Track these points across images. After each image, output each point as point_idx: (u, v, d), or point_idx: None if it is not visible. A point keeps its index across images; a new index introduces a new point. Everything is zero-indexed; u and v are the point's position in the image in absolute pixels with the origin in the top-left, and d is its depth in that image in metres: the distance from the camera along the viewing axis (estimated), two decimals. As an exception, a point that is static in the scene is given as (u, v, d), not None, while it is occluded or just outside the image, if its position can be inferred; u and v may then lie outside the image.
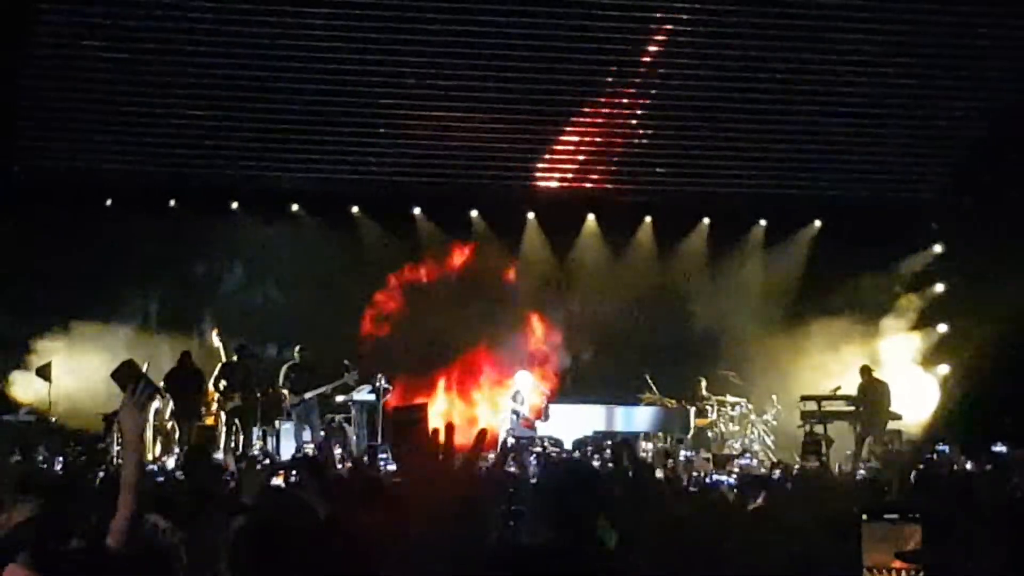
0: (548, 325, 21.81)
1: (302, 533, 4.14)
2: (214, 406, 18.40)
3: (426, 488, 2.68)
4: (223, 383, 18.21)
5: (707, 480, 13.94)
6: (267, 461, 14.84)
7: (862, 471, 15.97)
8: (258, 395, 18.23)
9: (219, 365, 18.47)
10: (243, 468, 10.94)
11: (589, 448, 17.94)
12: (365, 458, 16.36)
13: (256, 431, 18.39)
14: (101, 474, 12.57)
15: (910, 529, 4.08)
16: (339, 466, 14.17)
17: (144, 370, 5.53)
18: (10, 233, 18.94)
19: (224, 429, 18.11)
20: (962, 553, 4.82)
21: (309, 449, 17.27)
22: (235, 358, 18.55)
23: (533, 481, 10.82)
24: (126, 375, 5.14)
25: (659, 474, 14.05)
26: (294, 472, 9.15)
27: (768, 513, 7.53)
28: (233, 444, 17.83)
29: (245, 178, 20.67)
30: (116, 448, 15.82)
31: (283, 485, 8.66)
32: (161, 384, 17.71)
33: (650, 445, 19.02)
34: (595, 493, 4.08)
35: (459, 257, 21.75)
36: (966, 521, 5.62)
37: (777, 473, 15.13)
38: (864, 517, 3.60)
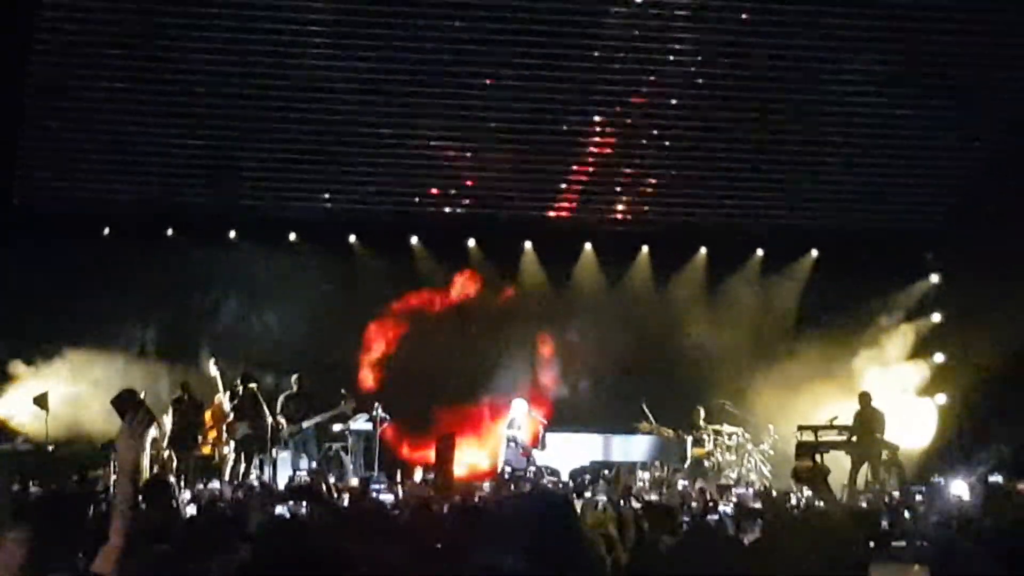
0: (545, 354, 21.80)
1: (307, 562, 4.13)
2: (211, 436, 18.36)
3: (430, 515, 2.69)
4: (232, 413, 18.21)
5: (704, 510, 13.88)
6: (259, 490, 14.78)
7: (863, 503, 15.90)
8: (267, 424, 18.19)
9: (228, 394, 18.43)
10: (247, 498, 10.91)
11: (587, 476, 17.92)
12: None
13: (254, 460, 18.36)
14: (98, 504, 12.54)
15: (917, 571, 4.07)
16: (336, 496, 14.13)
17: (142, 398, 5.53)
18: (8, 262, 18.97)
19: (232, 458, 18.11)
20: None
21: (301, 477, 17.22)
22: (241, 388, 18.51)
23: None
24: (125, 403, 5.14)
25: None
26: (302, 502, 9.12)
27: (767, 545, 7.50)
28: (231, 474, 17.84)
29: (243, 207, 20.72)
30: (113, 477, 15.76)
31: (287, 515, 8.62)
32: (168, 413, 17.75)
33: (647, 475, 18.96)
34: (569, 521, 4.08)
35: (456, 286, 21.75)
36: (967, 548, 5.63)
37: (774, 493, 15.14)
38: (871, 544, 3.60)
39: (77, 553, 5.51)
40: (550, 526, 3.96)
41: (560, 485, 17.43)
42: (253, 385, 18.58)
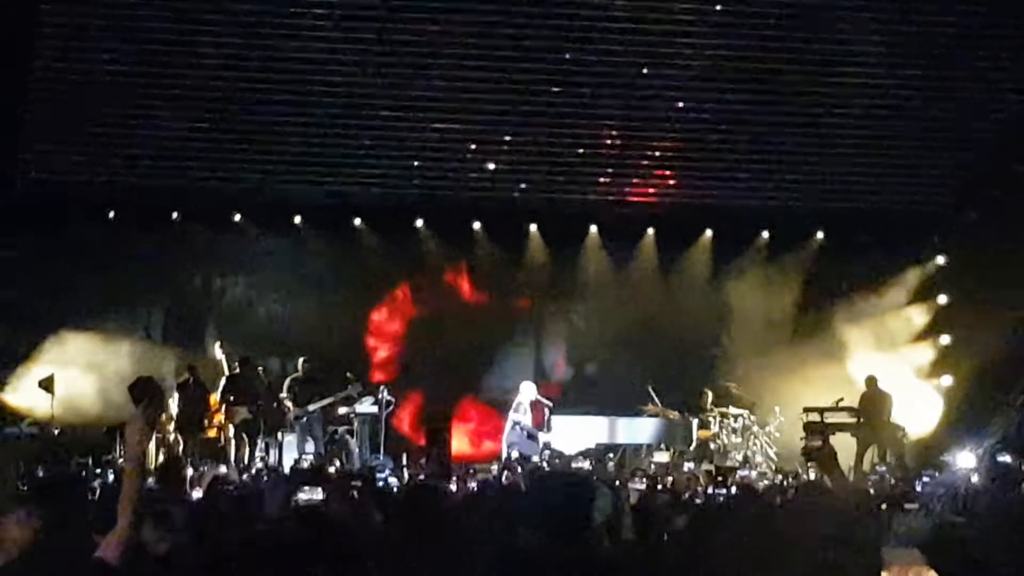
0: (551, 336, 21.81)
1: (332, 544, 4.12)
2: (217, 419, 18.40)
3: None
4: (230, 396, 18.23)
5: (709, 492, 13.89)
6: (267, 473, 14.81)
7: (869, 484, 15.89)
8: (260, 406, 18.21)
9: (224, 378, 18.47)
10: (255, 481, 10.91)
11: (592, 459, 17.93)
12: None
13: (259, 443, 18.38)
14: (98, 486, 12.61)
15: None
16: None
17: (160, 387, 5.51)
18: (13, 246, 18.99)
19: (234, 442, 18.15)
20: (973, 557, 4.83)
21: (307, 461, 17.23)
22: (238, 370, 18.56)
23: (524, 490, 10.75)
24: (143, 390, 5.12)
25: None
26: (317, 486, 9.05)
27: (774, 525, 7.48)
28: (236, 457, 17.90)
29: (248, 191, 20.68)
30: (120, 461, 15.83)
31: (309, 499, 8.57)
32: (175, 396, 17.80)
33: (664, 457, 18.82)
34: (586, 498, 4.10)
35: (461, 269, 21.76)
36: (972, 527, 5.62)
37: (779, 478, 15.11)
38: (883, 506, 3.60)
39: (86, 535, 5.49)
40: (571, 505, 3.97)
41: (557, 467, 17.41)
42: (260, 369, 18.64)
